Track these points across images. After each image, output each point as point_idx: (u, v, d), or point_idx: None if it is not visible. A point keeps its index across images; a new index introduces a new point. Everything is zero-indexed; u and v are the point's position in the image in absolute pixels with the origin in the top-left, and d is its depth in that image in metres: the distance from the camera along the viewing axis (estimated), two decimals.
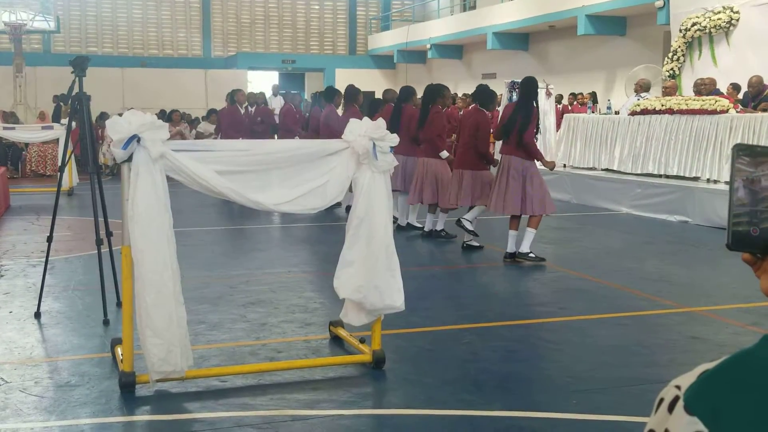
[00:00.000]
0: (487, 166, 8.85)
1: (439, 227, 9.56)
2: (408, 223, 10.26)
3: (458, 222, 8.74)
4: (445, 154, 9.34)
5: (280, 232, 10.53)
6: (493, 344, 5.49)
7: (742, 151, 0.84)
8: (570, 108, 17.79)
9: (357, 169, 4.61)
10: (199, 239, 9.56)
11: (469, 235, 8.79)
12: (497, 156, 8.67)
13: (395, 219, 9.16)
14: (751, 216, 0.83)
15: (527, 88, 8.37)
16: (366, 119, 4.66)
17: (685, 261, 8.53)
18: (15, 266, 7.83)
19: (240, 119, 13.71)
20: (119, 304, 5.75)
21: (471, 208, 8.78)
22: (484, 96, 8.88)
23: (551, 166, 8.72)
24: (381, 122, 4.57)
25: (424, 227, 9.80)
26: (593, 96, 18.35)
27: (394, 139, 4.61)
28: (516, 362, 5.08)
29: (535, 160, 8.24)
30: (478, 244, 8.83)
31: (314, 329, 5.73)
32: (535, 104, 8.32)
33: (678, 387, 0.78)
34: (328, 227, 10.56)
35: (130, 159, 4.16)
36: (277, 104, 15.79)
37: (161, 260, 4.18)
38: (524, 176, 8.02)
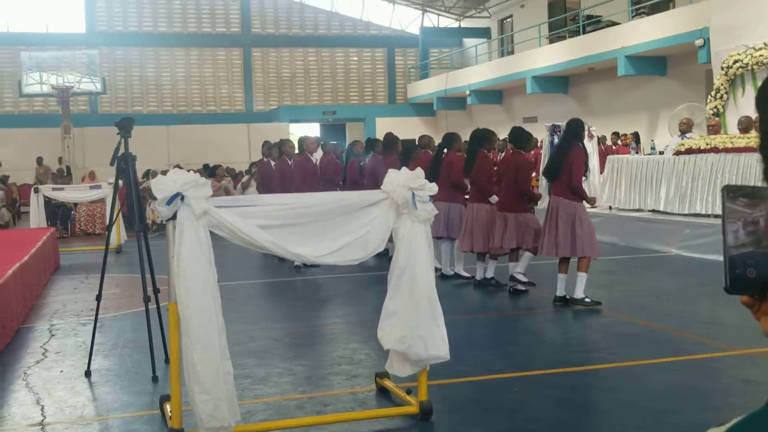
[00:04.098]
0: (531, 206, 8.86)
1: (489, 275, 9.38)
2: (455, 272, 10.11)
3: (511, 278, 8.73)
4: (494, 198, 9.17)
5: (322, 283, 10.55)
6: (542, 393, 5.40)
7: (735, 192, 0.82)
8: (614, 148, 17.66)
9: (397, 219, 4.61)
10: (243, 293, 9.61)
11: (515, 281, 8.75)
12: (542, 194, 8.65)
13: (437, 269, 9.14)
14: (747, 257, 0.81)
15: (571, 129, 8.33)
16: (404, 169, 4.67)
17: (737, 302, 8.28)
18: (65, 325, 7.94)
19: (314, 170, 12.18)
20: (167, 360, 5.78)
21: (516, 251, 8.74)
22: (518, 138, 8.94)
23: (593, 201, 8.63)
24: (419, 172, 4.58)
25: (473, 276, 9.69)
26: (636, 136, 18.16)
27: (433, 188, 4.62)
28: (566, 411, 4.98)
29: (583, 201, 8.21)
30: (524, 288, 8.74)
31: (360, 381, 5.69)
32: (581, 145, 8.28)
33: None
34: (372, 277, 10.55)
35: (174, 216, 4.21)
36: (317, 155, 15.78)
37: (207, 315, 4.20)
38: (573, 218, 7.96)
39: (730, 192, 0.82)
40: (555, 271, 8.27)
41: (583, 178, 8.40)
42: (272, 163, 13.20)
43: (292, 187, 11.22)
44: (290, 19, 32.84)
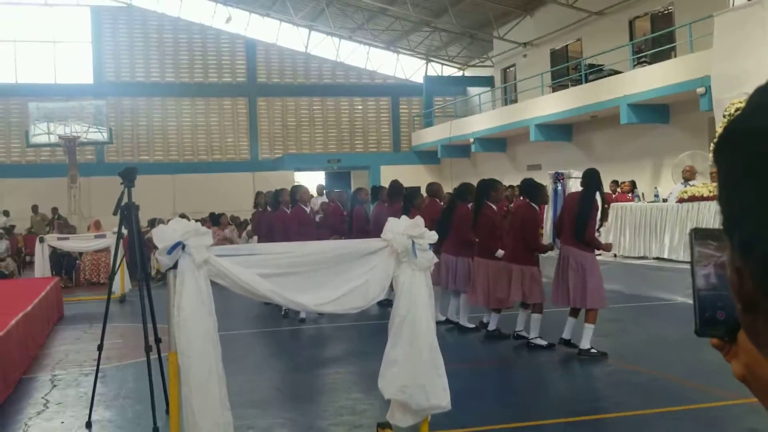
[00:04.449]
0: (536, 259, 8.73)
1: (491, 327, 9.27)
2: (459, 323, 9.98)
3: (528, 345, 8.57)
4: (500, 253, 9.01)
5: (325, 332, 10.50)
6: None
7: (703, 236, 0.83)
8: (614, 196, 17.68)
9: (397, 267, 4.62)
10: (245, 342, 9.57)
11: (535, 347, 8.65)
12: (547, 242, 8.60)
13: (441, 321, 9.11)
14: (717, 300, 0.82)
15: (587, 181, 8.27)
16: (404, 217, 4.69)
17: None
18: (67, 376, 7.90)
19: (309, 220, 12.09)
20: (168, 411, 5.74)
21: (524, 305, 8.68)
22: (531, 190, 8.78)
23: (609, 248, 8.65)
24: (419, 220, 4.60)
25: (477, 326, 9.61)
26: (633, 184, 18.17)
27: (433, 236, 4.63)
28: None
29: (596, 250, 8.18)
30: (545, 344, 8.57)
31: (363, 431, 5.64)
32: (598, 196, 8.26)
33: None
34: (375, 326, 10.50)
35: (175, 266, 4.22)
36: (313, 204, 15.78)
37: (207, 365, 4.19)
38: (585, 268, 7.93)
39: (698, 235, 0.84)
40: (560, 319, 8.24)
41: (597, 234, 8.39)
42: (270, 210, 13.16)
43: (291, 238, 11.18)
44: (295, 68, 33.18)
